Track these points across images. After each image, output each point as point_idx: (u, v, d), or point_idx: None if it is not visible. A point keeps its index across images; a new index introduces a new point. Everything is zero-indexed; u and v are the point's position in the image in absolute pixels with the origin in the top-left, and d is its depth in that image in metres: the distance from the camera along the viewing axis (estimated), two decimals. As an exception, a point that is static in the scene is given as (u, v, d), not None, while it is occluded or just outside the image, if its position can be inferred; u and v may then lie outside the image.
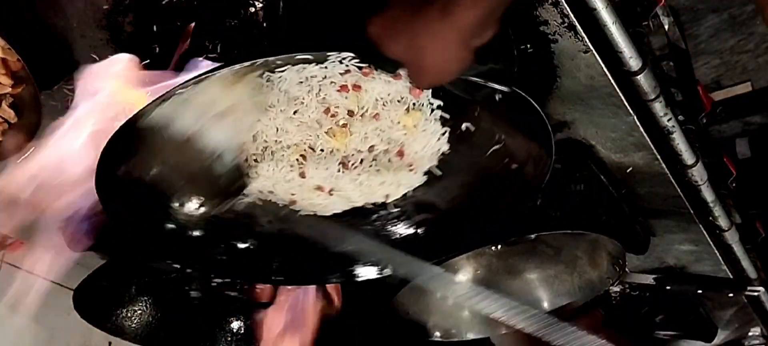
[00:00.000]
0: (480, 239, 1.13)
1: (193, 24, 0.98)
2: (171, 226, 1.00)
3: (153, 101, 0.78)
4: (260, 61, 0.78)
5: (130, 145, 0.84)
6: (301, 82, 0.86)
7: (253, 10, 0.95)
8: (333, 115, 0.90)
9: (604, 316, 1.65)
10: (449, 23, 0.67)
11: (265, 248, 1.06)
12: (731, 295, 1.51)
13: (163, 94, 0.78)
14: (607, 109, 1.04)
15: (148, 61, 0.98)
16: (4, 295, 1.32)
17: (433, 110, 0.93)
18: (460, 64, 0.72)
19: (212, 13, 0.97)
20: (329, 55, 0.82)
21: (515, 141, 0.94)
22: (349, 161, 0.96)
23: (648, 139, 1.08)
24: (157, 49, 1.00)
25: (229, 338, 1.48)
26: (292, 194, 1.00)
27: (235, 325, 1.49)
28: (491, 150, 0.96)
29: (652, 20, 1.08)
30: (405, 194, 1.04)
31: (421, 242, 1.06)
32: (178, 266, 1.28)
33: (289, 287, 1.37)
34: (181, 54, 0.95)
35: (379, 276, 1.09)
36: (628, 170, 1.19)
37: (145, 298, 1.42)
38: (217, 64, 0.77)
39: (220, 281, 1.44)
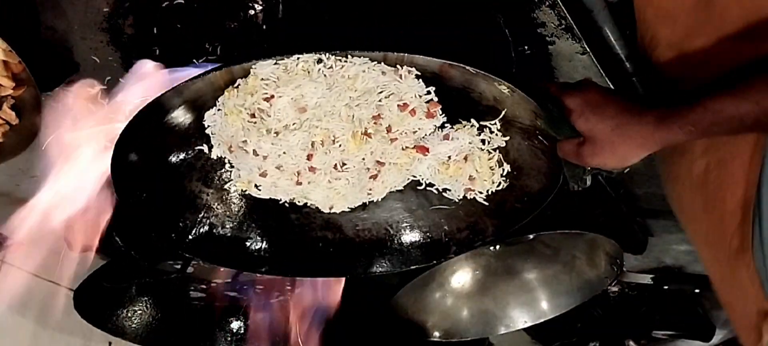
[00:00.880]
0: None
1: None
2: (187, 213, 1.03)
3: (168, 91, 0.79)
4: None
5: (146, 132, 0.86)
6: (374, 83, 0.88)
7: (252, 12, 0.95)
8: (375, 122, 0.93)
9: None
10: (659, 136, 0.73)
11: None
12: (728, 294, 1.51)
13: (178, 85, 0.79)
14: (604, 110, 1.04)
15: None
16: (4, 295, 1.32)
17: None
18: (634, 162, 0.79)
19: (212, 15, 0.97)
20: (418, 76, 0.88)
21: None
22: (343, 165, 0.98)
23: (645, 140, 1.08)
24: (157, 51, 1.00)
25: (229, 338, 1.49)
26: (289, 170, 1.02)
27: (235, 325, 1.50)
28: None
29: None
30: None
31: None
32: (185, 260, 1.29)
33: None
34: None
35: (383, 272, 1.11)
36: (625, 171, 1.20)
37: (146, 298, 1.43)
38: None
39: (220, 281, 1.44)
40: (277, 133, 0.92)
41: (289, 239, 1.10)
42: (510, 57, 0.97)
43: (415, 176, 1.05)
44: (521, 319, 1.49)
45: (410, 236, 1.12)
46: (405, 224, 1.11)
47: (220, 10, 0.97)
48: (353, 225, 1.11)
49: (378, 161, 0.98)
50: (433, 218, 1.10)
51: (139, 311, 1.42)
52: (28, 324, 1.47)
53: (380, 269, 1.11)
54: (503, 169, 1.01)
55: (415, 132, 0.95)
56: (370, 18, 0.94)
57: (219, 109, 0.92)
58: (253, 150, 0.95)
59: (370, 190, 1.05)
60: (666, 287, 1.54)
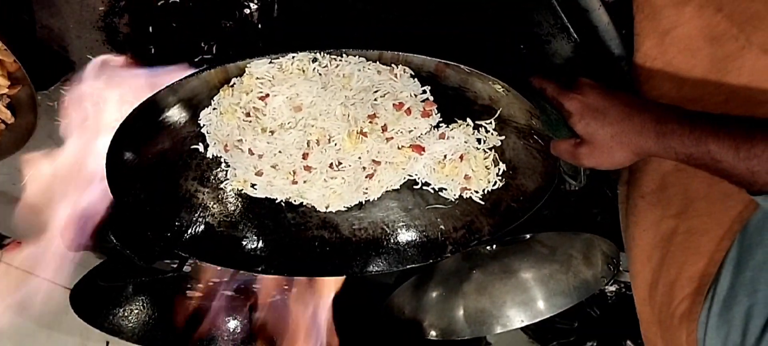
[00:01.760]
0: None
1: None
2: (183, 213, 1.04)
3: (163, 89, 0.79)
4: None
5: (141, 130, 0.87)
6: (369, 82, 0.88)
7: (248, 11, 0.95)
8: (371, 121, 0.93)
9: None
10: (655, 149, 0.74)
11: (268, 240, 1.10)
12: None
13: (173, 84, 0.79)
14: (600, 109, 1.04)
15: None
16: (2, 294, 1.33)
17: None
18: (620, 167, 0.80)
19: (207, 14, 0.97)
20: (413, 76, 0.89)
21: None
22: (339, 164, 0.98)
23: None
24: (153, 50, 1.00)
25: (226, 338, 1.49)
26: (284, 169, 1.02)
27: (233, 324, 1.50)
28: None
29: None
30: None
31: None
32: (181, 259, 1.29)
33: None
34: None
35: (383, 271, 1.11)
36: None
37: (143, 297, 1.43)
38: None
39: (217, 280, 1.44)
40: (272, 132, 0.92)
41: (285, 238, 1.11)
42: (505, 56, 0.97)
43: (411, 176, 1.05)
44: (518, 318, 1.49)
45: (406, 235, 1.12)
46: (401, 223, 1.11)
47: (216, 9, 0.97)
48: (350, 224, 1.12)
49: (374, 160, 0.99)
50: (429, 217, 1.10)
51: (136, 310, 1.42)
52: (26, 323, 1.47)
53: (376, 268, 1.12)
54: (499, 169, 1.01)
55: (410, 131, 0.96)
56: (366, 17, 0.94)
57: (214, 108, 0.92)
58: (249, 149, 0.95)
59: (367, 189, 1.05)
60: (663, 287, 1.53)
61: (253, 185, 1.05)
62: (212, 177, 1.04)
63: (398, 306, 1.44)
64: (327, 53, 0.84)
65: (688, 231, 0.84)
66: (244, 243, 1.10)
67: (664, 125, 0.73)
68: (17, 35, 0.96)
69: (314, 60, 0.85)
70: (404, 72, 0.88)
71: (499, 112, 0.94)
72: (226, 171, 1.03)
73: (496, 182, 1.03)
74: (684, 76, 0.82)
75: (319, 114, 0.91)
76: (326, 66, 0.85)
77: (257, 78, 0.87)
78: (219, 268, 1.38)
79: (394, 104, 0.91)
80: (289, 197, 1.07)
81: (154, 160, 0.96)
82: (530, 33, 0.95)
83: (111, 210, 1.06)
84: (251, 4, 0.95)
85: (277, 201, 1.08)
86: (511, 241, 1.38)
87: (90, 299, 1.32)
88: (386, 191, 1.08)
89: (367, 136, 0.95)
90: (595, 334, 1.70)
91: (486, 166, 1.01)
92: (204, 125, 0.95)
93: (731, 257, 0.78)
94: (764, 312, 0.73)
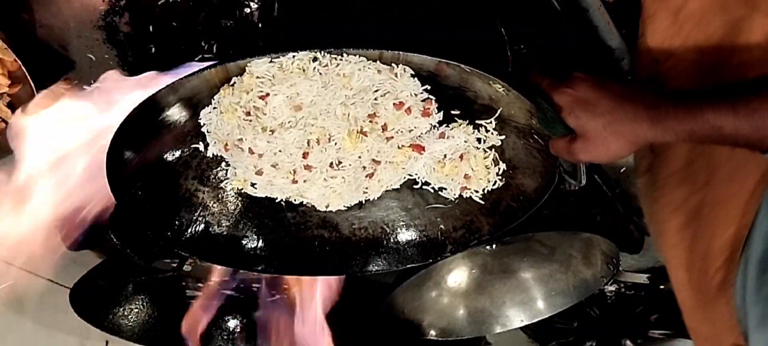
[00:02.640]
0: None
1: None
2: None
3: (163, 88, 0.79)
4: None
5: (141, 129, 0.87)
6: (369, 81, 0.88)
7: (248, 10, 0.95)
8: (371, 121, 0.93)
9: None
10: (651, 134, 0.73)
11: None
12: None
13: (173, 83, 0.80)
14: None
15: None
16: (1, 294, 1.32)
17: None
18: (625, 157, 0.79)
19: (208, 13, 0.97)
20: (414, 75, 0.89)
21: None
22: (339, 163, 0.98)
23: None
24: (153, 49, 1.00)
25: (226, 337, 1.49)
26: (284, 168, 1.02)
27: (232, 323, 1.50)
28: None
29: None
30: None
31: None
32: (181, 258, 1.29)
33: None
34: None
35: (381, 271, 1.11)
36: (621, 170, 1.20)
37: (142, 297, 1.43)
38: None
39: (217, 279, 1.44)
40: (272, 131, 0.92)
41: (285, 238, 1.11)
42: (505, 56, 0.97)
43: (411, 175, 1.05)
44: (517, 318, 1.49)
45: (406, 235, 1.12)
46: (401, 223, 1.11)
47: (216, 8, 0.97)
48: (349, 224, 1.12)
49: (374, 160, 0.99)
50: (428, 216, 1.10)
51: (136, 310, 1.42)
52: (25, 322, 1.47)
53: (376, 267, 1.11)
54: (499, 168, 1.01)
55: (410, 131, 0.96)
56: (366, 17, 0.94)
57: (214, 108, 0.92)
58: (249, 148, 0.95)
59: (367, 188, 1.05)
60: (662, 287, 1.54)
61: (253, 184, 1.05)
62: (212, 176, 1.04)
63: (398, 306, 1.43)
64: (327, 53, 0.84)
65: (714, 201, 0.83)
66: (244, 242, 1.10)
67: (656, 108, 0.73)
68: (18, 34, 0.96)
69: (314, 59, 0.85)
70: (404, 71, 0.88)
71: (499, 111, 0.94)
72: (227, 170, 1.04)
73: (496, 182, 1.03)
74: (701, 46, 0.82)
75: (320, 113, 0.91)
76: (326, 65, 0.85)
77: (257, 77, 0.87)
78: (219, 267, 1.38)
79: (394, 103, 0.91)
80: (289, 197, 1.07)
81: (155, 159, 0.96)
82: (530, 32, 0.95)
83: (111, 209, 1.06)
84: (251, 4, 0.95)
85: (277, 200, 1.08)
86: (511, 240, 1.38)
87: (90, 298, 1.32)
88: (386, 191, 1.08)
89: (367, 136, 0.95)
90: (595, 334, 1.70)
91: (486, 166, 1.01)
92: (204, 124, 0.95)
93: (761, 218, 0.77)
94: None
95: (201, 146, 0.99)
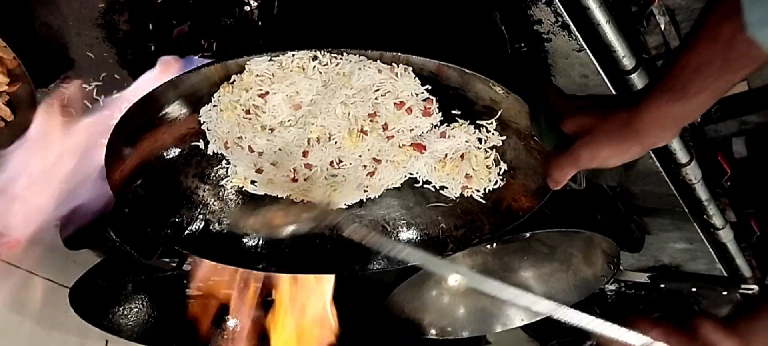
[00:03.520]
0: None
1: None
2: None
3: (162, 85, 0.79)
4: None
5: (140, 126, 0.86)
6: (370, 81, 0.88)
7: (248, 8, 0.95)
8: (371, 120, 0.93)
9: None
10: (665, 124, 0.71)
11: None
12: (725, 293, 1.52)
13: (173, 79, 0.79)
14: (601, 107, 1.04)
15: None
16: (1, 293, 1.32)
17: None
18: (631, 159, 0.76)
19: (207, 11, 0.97)
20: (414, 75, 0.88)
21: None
22: (340, 162, 0.98)
23: (642, 138, 1.08)
24: (153, 47, 1.00)
25: (226, 336, 1.49)
26: (284, 167, 1.02)
27: (232, 323, 1.49)
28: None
29: (647, 19, 1.08)
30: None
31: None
32: (181, 257, 1.29)
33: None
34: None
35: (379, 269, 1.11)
36: (619, 184, 1.20)
37: (142, 296, 1.42)
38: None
39: (217, 278, 1.44)
40: (272, 129, 0.92)
41: (285, 236, 1.10)
42: (506, 54, 0.97)
43: (412, 174, 1.05)
44: (518, 317, 1.49)
45: (407, 234, 1.12)
46: (402, 222, 1.11)
47: (216, 6, 0.96)
48: (350, 222, 1.11)
49: (375, 159, 0.98)
50: (429, 215, 1.10)
51: (136, 309, 1.42)
52: (25, 322, 1.47)
53: (377, 266, 1.11)
54: (500, 168, 1.01)
55: (411, 130, 0.95)
56: (366, 16, 0.94)
57: (214, 105, 0.92)
58: (249, 146, 0.95)
59: (367, 187, 1.05)
60: (663, 286, 1.53)
61: (253, 182, 1.04)
62: (213, 174, 1.04)
63: (398, 305, 1.43)
64: (327, 52, 0.84)
65: None
66: (245, 240, 1.10)
67: (634, 96, 0.72)
68: (17, 32, 0.96)
69: (314, 58, 0.84)
70: (405, 71, 0.88)
71: (500, 112, 0.93)
72: (227, 168, 1.03)
73: (497, 182, 1.03)
74: None
75: (320, 112, 0.91)
76: (326, 64, 0.85)
77: (257, 75, 0.86)
78: (219, 266, 1.38)
79: (394, 103, 0.91)
80: (290, 195, 1.07)
81: (154, 156, 0.96)
82: (531, 30, 0.95)
83: (110, 206, 1.06)
84: (251, 2, 0.95)
85: (277, 197, 1.08)
86: (512, 239, 1.38)
87: (89, 297, 1.32)
88: (387, 190, 1.08)
89: (367, 135, 0.95)
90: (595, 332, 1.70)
91: (487, 166, 1.01)
92: (204, 122, 0.95)
93: None
94: None
95: (201, 144, 0.98)
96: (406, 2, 0.94)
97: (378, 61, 0.86)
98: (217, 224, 1.07)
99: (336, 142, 0.95)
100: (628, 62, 0.96)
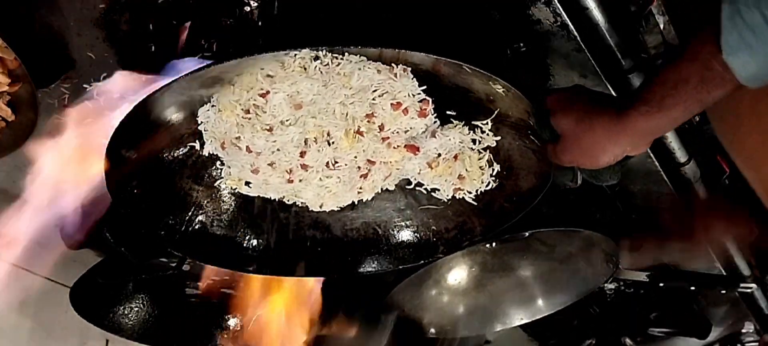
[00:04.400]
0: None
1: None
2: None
3: (160, 88, 0.79)
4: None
5: (139, 128, 0.86)
6: (369, 81, 0.88)
7: (248, 9, 0.95)
8: (368, 121, 0.93)
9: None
10: (621, 125, 0.75)
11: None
12: (724, 292, 1.52)
13: (171, 82, 0.79)
14: (600, 107, 1.04)
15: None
16: (1, 292, 1.32)
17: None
18: (608, 161, 0.80)
19: (208, 12, 0.97)
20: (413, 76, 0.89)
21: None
22: (335, 163, 0.98)
23: (641, 137, 1.08)
24: (153, 47, 1.00)
25: (226, 336, 1.49)
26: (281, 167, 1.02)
27: (232, 322, 1.49)
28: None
29: (646, 19, 1.09)
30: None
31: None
32: (180, 257, 1.29)
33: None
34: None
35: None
36: (612, 181, 1.19)
37: (143, 295, 1.42)
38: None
39: (217, 278, 1.44)
40: (271, 129, 0.92)
41: (277, 238, 1.10)
42: (505, 55, 0.97)
43: (405, 176, 1.05)
44: (517, 316, 1.49)
45: (399, 236, 1.12)
46: (393, 224, 1.11)
47: (216, 6, 0.96)
48: (342, 224, 1.11)
49: (369, 160, 0.98)
50: (421, 217, 1.10)
51: (136, 308, 1.42)
52: (25, 322, 1.47)
53: (369, 268, 1.11)
54: (493, 169, 1.01)
55: (406, 131, 0.95)
56: (366, 14, 0.94)
57: (213, 106, 0.92)
58: (247, 146, 0.95)
59: (361, 188, 1.05)
60: (662, 285, 1.54)
61: (247, 183, 1.04)
62: (207, 175, 1.04)
63: (397, 304, 1.43)
64: (329, 51, 0.84)
65: None
66: (238, 242, 1.10)
67: (623, 99, 0.76)
68: (17, 32, 0.96)
69: (316, 58, 0.85)
70: (404, 72, 0.88)
71: (496, 112, 0.94)
72: (222, 169, 1.03)
73: (489, 183, 1.03)
74: None
75: (319, 112, 0.91)
76: (327, 64, 0.85)
77: (258, 76, 0.87)
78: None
79: (391, 104, 0.91)
80: (284, 196, 1.07)
81: (152, 158, 0.96)
82: (530, 31, 0.95)
83: (107, 207, 1.06)
84: (252, 2, 0.95)
85: (271, 200, 1.08)
86: (511, 239, 1.38)
87: (90, 297, 1.32)
88: (379, 192, 1.08)
89: (364, 136, 0.95)
90: (594, 332, 1.70)
91: (480, 167, 1.01)
92: (202, 122, 0.95)
93: None
94: None
95: (197, 145, 0.98)
96: (405, 3, 0.94)
97: (378, 61, 0.86)
98: (210, 226, 1.07)
99: (333, 143, 0.95)
100: (626, 62, 0.96)
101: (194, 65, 0.82)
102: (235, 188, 1.06)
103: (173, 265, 1.31)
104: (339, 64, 0.85)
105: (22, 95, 1.05)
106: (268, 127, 0.92)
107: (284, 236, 1.10)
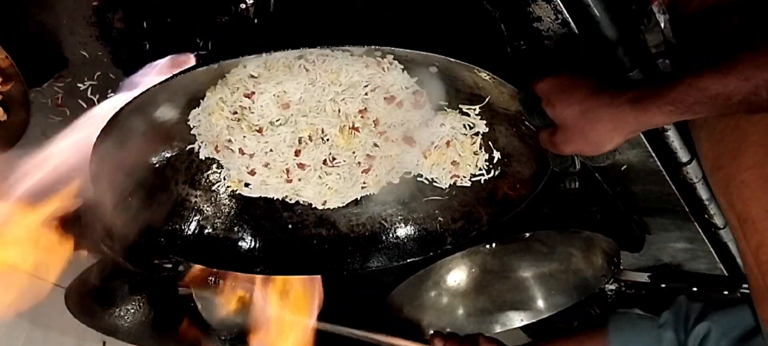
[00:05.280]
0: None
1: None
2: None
3: (149, 88, 0.78)
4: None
5: (128, 130, 0.85)
6: (358, 77, 0.87)
7: (243, 6, 0.94)
8: (362, 116, 0.92)
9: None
10: (634, 117, 0.70)
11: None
12: (726, 293, 1.51)
13: (159, 83, 0.77)
14: (601, 106, 1.03)
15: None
16: (-3, 294, 1.31)
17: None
18: (611, 148, 0.76)
19: (203, 9, 0.96)
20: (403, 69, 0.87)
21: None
22: (333, 160, 0.97)
23: (642, 137, 1.08)
24: (148, 45, 0.99)
25: (223, 337, 1.48)
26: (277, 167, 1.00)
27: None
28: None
29: (647, 17, 1.08)
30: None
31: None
32: (172, 259, 1.28)
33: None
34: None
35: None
36: (622, 168, 1.19)
37: (139, 297, 1.41)
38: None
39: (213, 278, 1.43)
40: (261, 130, 0.91)
41: (282, 238, 1.09)
42: (505, 52, 0.96)
43: (405, 168, 1.04)
44: (517, 318, 1.48)
45: (405, 229, 1.11)
46: (399, 217, 1.10)
47: (211, 4, 0.95)
48: (347, 221, 1.10)
49: (368, 155, 0.97)
50: (426, 209, 1.09)
51: (133, 310, 1.41)
52: (21, 323, 1.46)
53: (377, 263, 1.10)
54: (492, 156, 0.99)
55: (402, 124, 0.94)
56: (364, 11, 0.93)
57: (203, 109, 0.91)
58: (239, 149, 0.94)
59: (364, 184, 1.04)
60: (663, 286, 1.53)
61: (246, 185, 1.04)
62: (204, 180, 1.03)
63: (397, 305, 1.43)
64: (313, 49, 0.82)
65: None
66: (241, 245, 1.09)
67: (635, 90, 0.70)
68: (9, 31, 0.95)
69: (300, 57, 0.83)
70: (391, 65, 0.87)
71: (487, 99, 0.92)
72: (219, 172, 1.02)
73: (485, 168, 1.01)
74: None
75: (309, 110, 0.90)
76: (313, 62, 0.84)
77: (242, 76, 0.86)
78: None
79: (384, 98, 0.90)
80: (285, 196, 1.06)
81: (143, 166, 0.95)
82: (530, 28, 0.94)
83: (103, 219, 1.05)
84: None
85: (273, 200, 1.07)
86: (511, 239, 1.37)
87: (85, 298, 1.31)
88: (383, 186, 1.07)
89: (359, 132, 0.94)
90: (595, 333, 1.69)
91: (474, 152, 1.00)
92: (194, 126, 0.94)
93: None
94: None
95: (190, 149, 0.97)
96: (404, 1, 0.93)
97: (364, 56, 0.85)
98: (212, 229, 1.06)
99: (328, 141, 0.94)
100: (627, 60, 0.95)
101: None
102: (236, 190, 1.05)
103: (169, 266, 1.30)
104: (324, 61, 0.84)
105: (14, 95, 1.04)
106: (257, 129, 0.91)
107: (290, 236, 1.09)
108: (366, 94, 0.89)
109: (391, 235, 1.11)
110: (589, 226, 1.24)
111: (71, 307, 1.30)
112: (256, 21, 0.95)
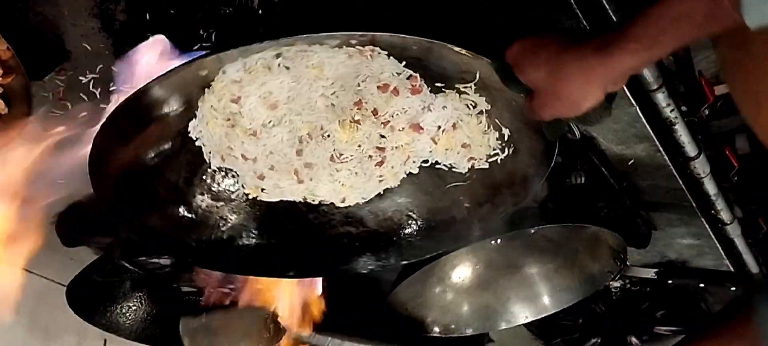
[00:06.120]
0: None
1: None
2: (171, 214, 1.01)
3: (151, 82, 0.77)
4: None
5: (128, 126, 0.84)
6: (345, 68, 0.85)
7: (247, -3, 0.94)
8: (359, 108, 0.90)
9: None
10: (601, 65, 0.68)
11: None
12: (733, 289, 1.50)
13: (163, 75, 0.77)
14: (608, 99, 1.02)
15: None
16: (-3, 291, 1.30)
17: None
18: (591, 104, 0.73)
19: (206, 0, 0.95)
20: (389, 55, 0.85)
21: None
22: (340, 155, 0.96)
23: (650, 131, 1.07)
24: (150, 38, 0.98)
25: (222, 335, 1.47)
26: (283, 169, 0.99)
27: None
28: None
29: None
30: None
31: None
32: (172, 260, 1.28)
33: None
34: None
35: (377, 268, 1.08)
36: (629, 163, 1.18)
37: (140, 294, 1.41)
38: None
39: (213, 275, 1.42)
40: (255, 133, 0.90)
41: (311, 240, 1.08)
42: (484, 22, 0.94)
43: (420, 157, 1.02)
44: (522, 314, 1.47)
45: (434, 219, 1.09)
46: (425, 208, 1.09)
47: (215, -5, 0.95)
48: (374, 216, 1.09)
49: (378, 147, 0.96)
50: (451, 196, 1.07)
51: (134, 307, 1.41)
52: (22, 321, 1.45)
53: (412, 256, 1.09)
54: (502, 134, 0.97)
55: (405, 111, 0.92)
56: (366, 4, 0.92)
57: (199, 119, 0.91)
58: (241, 155, 0.93)
59: (381, 177, 1.02)
60: (669, 282, 1.52)
61: (263, 190, 1.03)
62: (222, 190, 1.03)
63: (401, 302, 1.42)
64: (290, 46, 0.80)
65: None
66: (270, 250, 1.08)
67: (599, 38, 0.67)
68: (10, 23, 0.94)
69: (278, 55, 0.82)
70: (376, 52, 0.84)
71: (477, 75, 0.89)
72: (235, 180, 1.02)
73: (499, 147, 0.99)
74: None
75: (302, 109, 0.89)
76: (291, 59, 0.83)
77: (225, 82, 0.85)
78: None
79: (378, 87, 0.89)
80: (305, 197, 1.05)
81: (156, 182, 0.95)
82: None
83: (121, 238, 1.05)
84: (251, -10, 0.93)
85: (297, 203, 1.06)
86: (516, 235, 1.36)
87: (86, 295, 1.30)
88: (404, 177, 1.05)
89: (360, 124, 0.92)
90: (600, 330, 1.69)
91: (483, 132, 0.98)
92: (196, 139, 0.94)
93: None
94: None
95: (200, 160, 0.97)
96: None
97: (344, 46, 0.83)
98: (240, 238, 1.06)
99: (329, 137, 0.93)
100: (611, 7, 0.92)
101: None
102: (256, 197, 1.04)
103: (170, 263, 1.29)
104: (304, 56, 0.82)
105: (15, 88, 1.03)
106: (252, 132, 0.90)
107: (318, 237, 1.09)
108: (358, 85, 0.87)
109: (420, 224, 1.09)
110: (595, 221, 1.23)
111: (72, 304, 1.29)
112: (260, 12, 0.94)
